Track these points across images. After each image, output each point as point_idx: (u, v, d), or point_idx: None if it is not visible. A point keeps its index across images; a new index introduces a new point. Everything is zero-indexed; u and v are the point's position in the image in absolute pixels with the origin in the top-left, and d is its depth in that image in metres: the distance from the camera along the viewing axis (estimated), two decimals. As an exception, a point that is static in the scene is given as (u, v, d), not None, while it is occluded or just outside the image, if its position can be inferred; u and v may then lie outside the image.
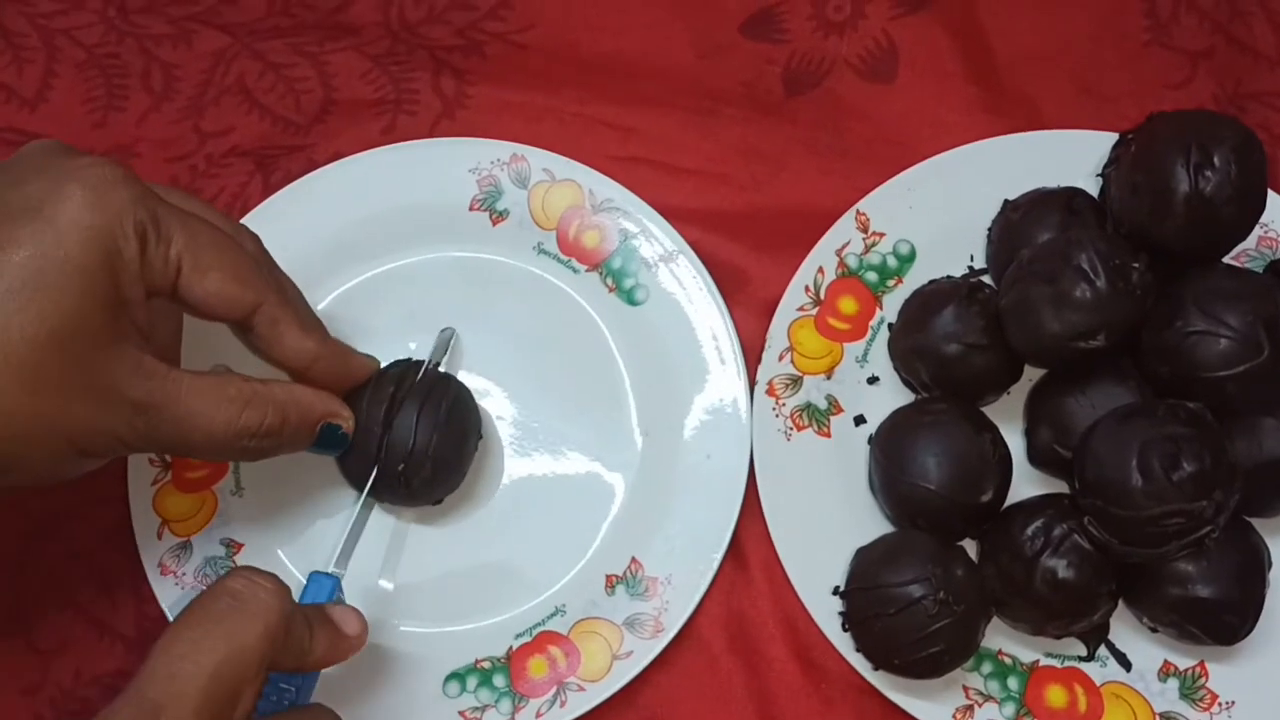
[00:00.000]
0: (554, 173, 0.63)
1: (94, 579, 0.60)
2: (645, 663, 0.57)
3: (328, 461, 0.56)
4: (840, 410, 0.60)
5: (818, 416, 0.59)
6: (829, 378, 0.60)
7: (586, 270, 0.62)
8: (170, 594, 0.58)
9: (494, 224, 0.63)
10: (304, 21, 0.68)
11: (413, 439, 0.53)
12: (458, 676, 0.58)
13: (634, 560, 0.58)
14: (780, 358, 0.60)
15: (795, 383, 0.60)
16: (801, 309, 0.61)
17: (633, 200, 0.62)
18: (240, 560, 0.59)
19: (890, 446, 0.56)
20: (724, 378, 0.60)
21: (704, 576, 0.58)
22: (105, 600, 0.60)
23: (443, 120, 0.66)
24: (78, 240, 0.42)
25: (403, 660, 0.58)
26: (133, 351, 0.45)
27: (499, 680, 0.57)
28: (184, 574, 0.58)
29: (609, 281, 0.62)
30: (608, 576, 0.58)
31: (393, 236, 0.62)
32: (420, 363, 0.57)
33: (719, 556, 0.58)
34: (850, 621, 0.55)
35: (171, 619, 0.58)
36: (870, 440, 0.58)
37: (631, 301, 0.62)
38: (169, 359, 0.52)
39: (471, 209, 0.63)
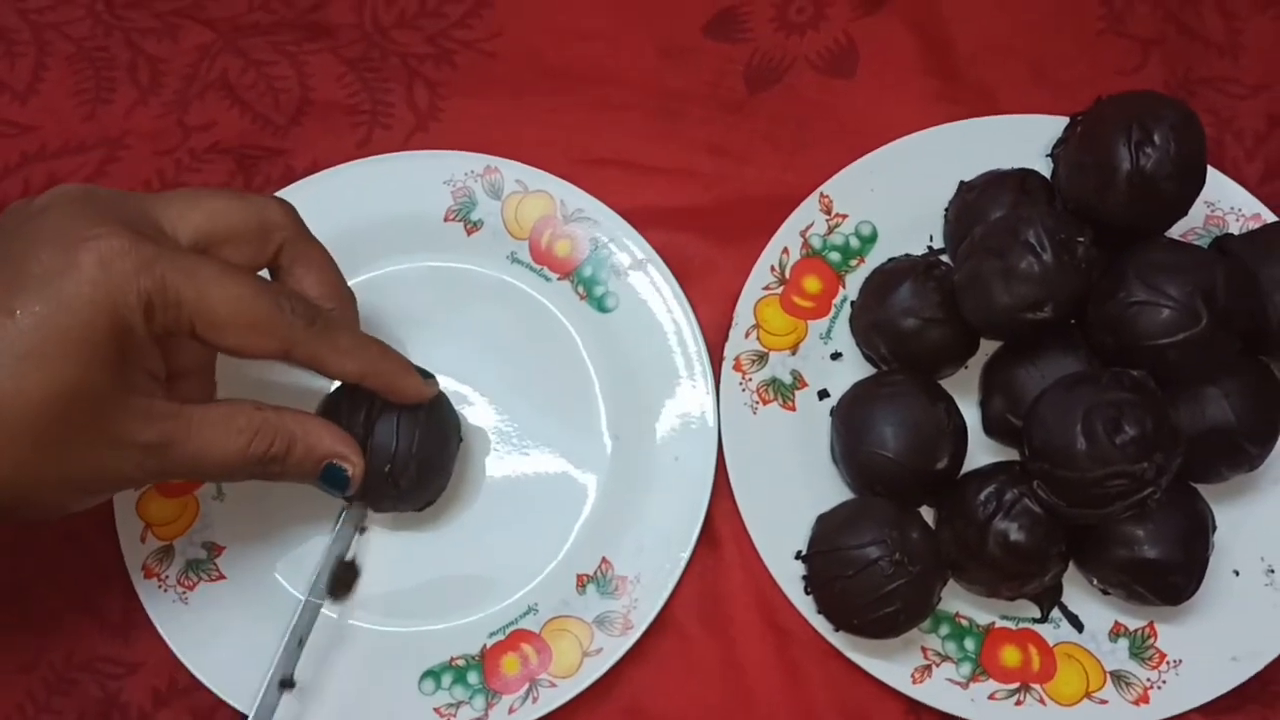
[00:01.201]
0: (526, 184, 0.65)
1: (85, 564, 0.62)
2: (614, 659, 0.58)
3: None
4: (805, 385, 0.62)
5: (783, 391, 0.62)
6: (794, 353, 0.62)
7: (558, 278, 0.64)
8: (154, 596, 0.60)
9: (468, 234, 0.65)
10: (283, 19, 0.70)
11: (395, 441, 0.54)
12: (433, 674, 0.59)
13: (604, 560, 0.60)
14: (747, 335, 0.62)
15: (761, 358, 0.62)
16: (767, 288, 0.63)
17: (603, 210, 0.64)
18: (222, 563, 0.61)
19: (850, 417, 0.58)
20: (690, 382, 0.62)
21: (671, 575, 0.59)
22: (96, 586, 0.61)
23: (416, 133, 0.68)
24: (82, 312, 0.44)
25: (379, 658, 0.59)
26: (141, 400, 0.46)
27: (473, 678, 0.59)
28: (167, 576, 0.60)
29: (580, 289, 0.64)
30: (579, 576, 0.60)
31: (370, 247, 0.64)
32: None
33: (686, 555, 0.60)
34: (812, 584, 0.57)
35: (156, 622, 0.59)
36: (832, 412, 0.60)
37: (602, 309, 0.63)
38: (202, 377, 0.54)
39: (446, 220, 0.65)
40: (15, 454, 0.44)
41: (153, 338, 0.46)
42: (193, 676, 0.58)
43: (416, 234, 0.64)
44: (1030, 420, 0.54)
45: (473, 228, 0.65)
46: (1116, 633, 0.58)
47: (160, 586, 0.60)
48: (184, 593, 0.60)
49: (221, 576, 0.60)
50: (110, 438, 0.46)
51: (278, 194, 0.63)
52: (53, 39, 0.70)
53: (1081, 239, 0.54)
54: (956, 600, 0.59)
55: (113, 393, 0.45)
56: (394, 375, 0.53)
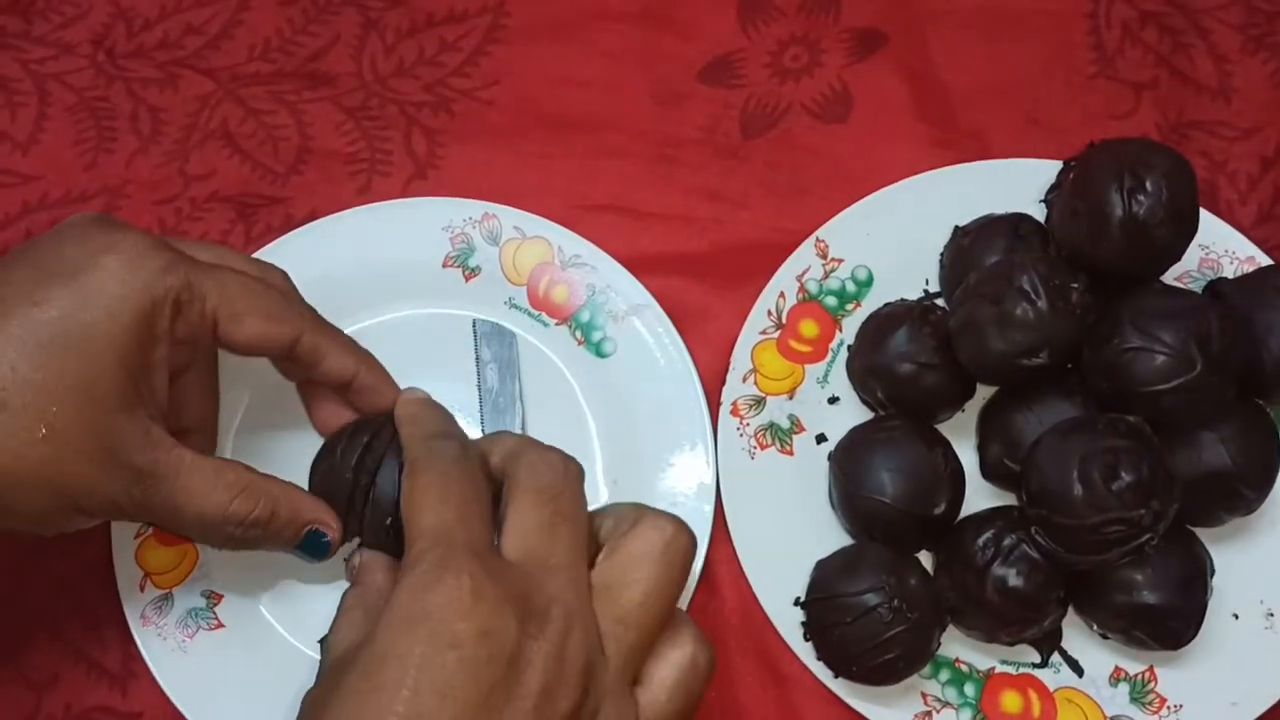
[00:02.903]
0: (524, 230, 0.65)
1: (80, 614, 0.61)
2: None
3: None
4: (802, 429, 0.62)
5: (780, 435, 0.62)
6: (791, 398, 0.62)
7: (556, 324, 0.64)
8: (153, 645, 0.59)
9: (467, 280, 0.65)
10: (283, 68, 0.71)
11: (398, 491, 0.53)
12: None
13: None
14: (744, 379, 0.62)
15: (759, 403, 0.62)
16: (764, 332, 0.63)
17: (600, 256, 0.64)
18: (221, 611, 0.60)
19: (847, 462, 0.58)
20: (688, 428, 0.62)
21: None
22: (92, 636, 0.61)
23: (415, 181, 0.68)
24: (105, 307, 0.45)
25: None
26: (144, 420, 0.47)
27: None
28: (165, 624, 0.60)
29: (578, 335, 0.64)
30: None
31: (369, 294, 0.64)
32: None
33: (685, 601, 0.58)
34: (811, 631, 0.57)
35: (155, 671, 0.59)
36: (830, 458, 0.60)
37: (600, 354, 0.64)
38: (204, 431, 0.56)
39: (445, 266, 0.65)
40: (18, 445, 0.44)
41: (172, 343, 0.48)
42: (192, 726, 0.58)
43: (415, 280, 0.65)
44: (1027, 467, 0.54)
45: (471, 274, 0.65)
46: (1117, 678, 0.58)
47: (159, 635, 0.60)
48: (183, 641, 0.59)
49: (220, 625, 0.60)
50: (109, 447, 0.46)
51: (277, 241, 0.65)
52: (54, 89, 0.70)
53: (1076, 285, 0.54)
54: (956, 645, 0.58)
55: (122, 397, 0.46)
56: (381, 378, 0.56)
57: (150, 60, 0.71)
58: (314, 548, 0.53)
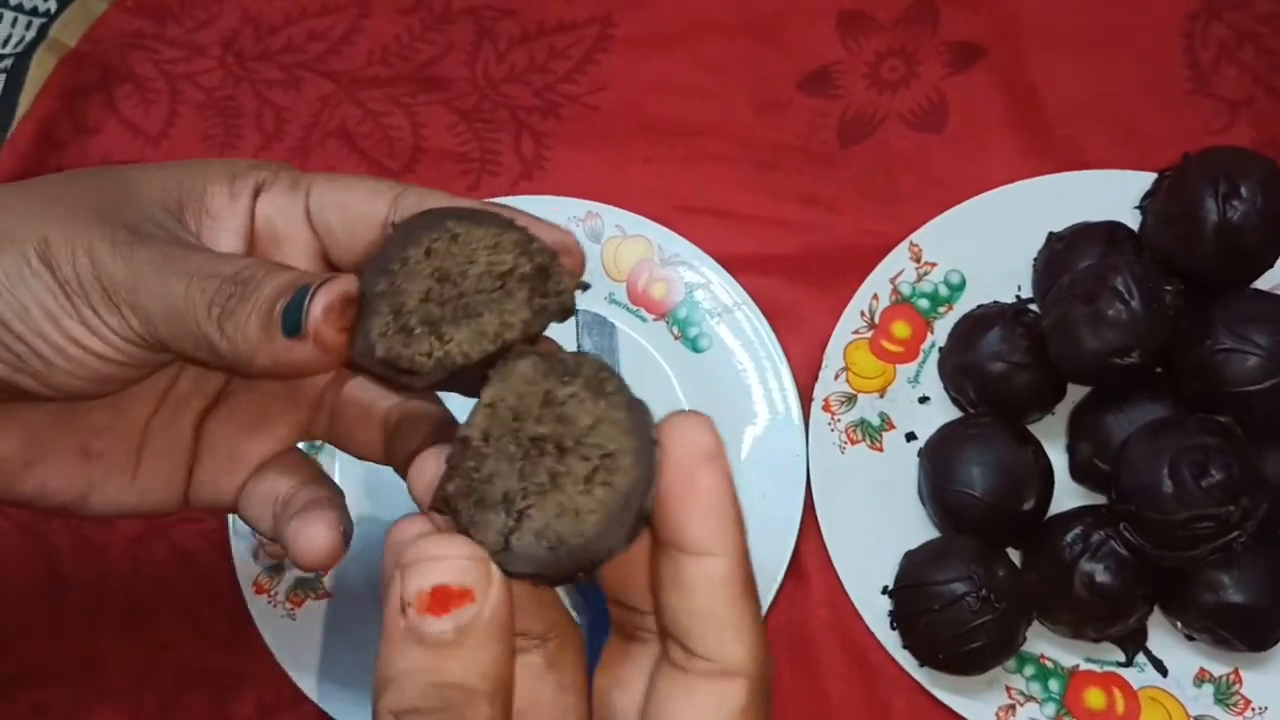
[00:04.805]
0: (625, 229, 0.68)
1: (197, 581, 0.65)
2: None
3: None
4: (893, 427, 0.63)
5: (870, 432, 0.63)
6: (882, 396, 0.64)
7: (654, 319, 0.67)
8: (264, 612, 0.63)
9: None
10: (400, 72, 0.74)
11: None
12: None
13: None
14: (836, 376, 0.64)
15: (850, 400, 0.64)
16: (857, 332, 0.65)
17: (698, 255, 0.67)
18: (328, 582, 0.63)
19: (938, 456, 0.60)
20: (780, 421, 0.64)
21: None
22: (207, 602, 0.65)
23: (522, 180, 0.72)
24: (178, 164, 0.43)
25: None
26: (164, 210, 0.41)
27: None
28: (276, 593, 0.63)
29: (675, 330, 0.67)
30: (666, 609, 0.62)
31: None
32: None
33: (774, 589, 0.61)
34: (898, 619, 0.59)
35: (265, 636, 0.62)
36: (920, 452, 0.62)
37: (696, 349, 0.66)
38: None
39: None
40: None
41: (250, 206, 0.41)
42: (298, 689, 0.61)
43: (520, 275, 0.67)
44: (1118, 463, 0.55)
45: (573, 269, 0.68)
46: (1201, 678, 0.59)
47: (270, 602, 0.63)
48: (291, 609, 0.63)
49: (327, 594, 0.63)
50: (115, 204, 0.40)
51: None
52: (185, 88, 0.75)
53: (1169, 287, 0.55)
54: (1041, 642, 0.59)
55: (149, 197, 0.41)
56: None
57: (275, 63, 0.75)
58: (295, 315, 0.36)
